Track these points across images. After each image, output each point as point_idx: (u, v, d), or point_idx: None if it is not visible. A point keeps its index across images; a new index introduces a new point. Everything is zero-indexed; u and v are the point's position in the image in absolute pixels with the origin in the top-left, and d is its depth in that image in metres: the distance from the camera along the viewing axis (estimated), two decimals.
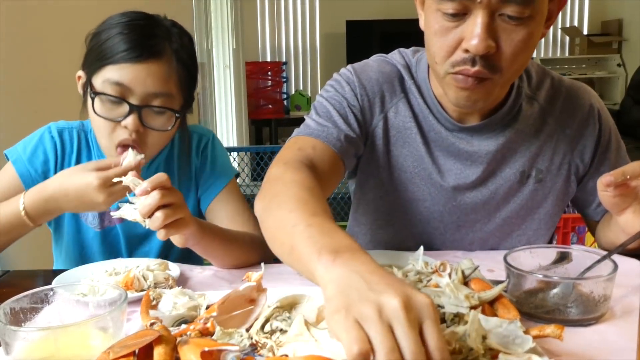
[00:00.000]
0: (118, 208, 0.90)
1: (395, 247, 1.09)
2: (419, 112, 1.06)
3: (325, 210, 0.76)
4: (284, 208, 0.76)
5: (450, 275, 0.74)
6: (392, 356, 0.49)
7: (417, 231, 1.12)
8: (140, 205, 0.87)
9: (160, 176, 0.88)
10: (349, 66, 1.09)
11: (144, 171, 1.13)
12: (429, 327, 0.51)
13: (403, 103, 1.06)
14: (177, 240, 0.93)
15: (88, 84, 1.03)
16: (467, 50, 0.87)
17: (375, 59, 1.11)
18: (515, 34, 0.87)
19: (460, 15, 0.87)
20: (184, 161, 1.18)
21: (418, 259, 0.80)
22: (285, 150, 0.98)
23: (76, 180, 0.93)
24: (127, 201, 0.90)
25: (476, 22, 0.85)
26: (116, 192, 0.93)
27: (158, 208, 0.87)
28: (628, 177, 0.89)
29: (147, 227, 0.88)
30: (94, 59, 1.03)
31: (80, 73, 1.07)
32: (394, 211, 1.12)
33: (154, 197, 0.86)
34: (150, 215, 0.87)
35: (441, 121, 1.05)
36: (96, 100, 1.02)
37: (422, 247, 0.82)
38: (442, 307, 0.67)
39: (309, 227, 0.70)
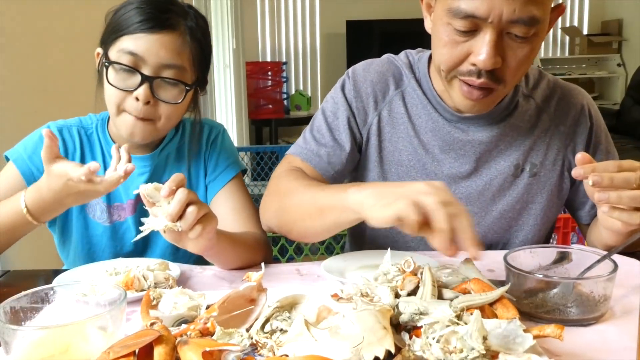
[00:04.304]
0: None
1: (395, 245, 1.11)
2: (418, 104, 1.12)
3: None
4: (299, 195, 0.95)
5: (420, 277, 0.73)
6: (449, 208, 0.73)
7: None
8: (170, 206, 0.84)
9: (178, 176, 0.87)
10: (350, 69, 1.16)
11: (155, 159, 1.14)
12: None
13: (397, 100, 1.13)
14: (200, 243, 0.89)
15: (104, 57, 1.05)
16: (474, 64, 0.94)
17: (382, 58, 1.18)
18: (520, 50, 0.94)
19: (470, 32, 0.92)
20: (194, 148, 1.18)
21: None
22: (280, 166, 1.10)
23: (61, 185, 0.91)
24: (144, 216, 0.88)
25: (485, 40, 0.91)
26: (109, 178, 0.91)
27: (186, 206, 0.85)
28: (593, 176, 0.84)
29: (180, 229, 0.85)
30: (111, 33, 1.05)
31: (99, 50, 1.09)
32: None
33: (183, 193, 0.84)
34: (180, 216, 0.85)
35: (440, 111, 1.10)
36: (110, 69, 1.03)
37: (389, 250, 0.83)
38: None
39: (326, 189, 0.91)
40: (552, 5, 0.96)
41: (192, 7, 1.11)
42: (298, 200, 0.96)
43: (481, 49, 0.91)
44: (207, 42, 1.12)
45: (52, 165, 0.91)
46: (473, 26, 0.91)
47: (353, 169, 1.17)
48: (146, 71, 1.02)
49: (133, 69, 1.02)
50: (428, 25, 1.03)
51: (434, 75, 1.09)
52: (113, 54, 1.03)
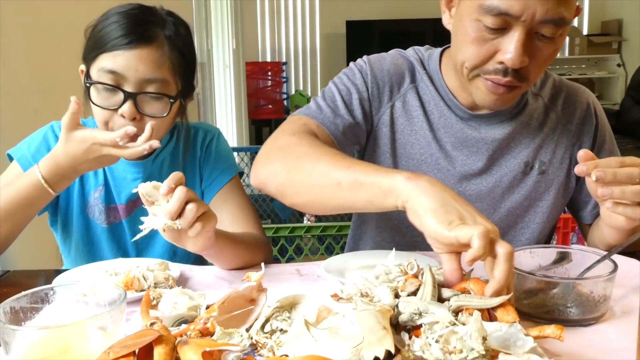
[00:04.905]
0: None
1: (401, 242, 1.11)
2: (430, 100, 1.11)
3: None
4: (323, 161, 0.88)
5: (421, 277, 0.73)
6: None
7: None
8: (169, 204, 0.84)
9: (176, 174, 0.86)
10: (365, 57, 1.15)
11: (148, 166, 1.14)
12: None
13: (412, 93, 1.12)
14: (199, 241, 0.89)
15: (87, 75, 1.05)
16: (501, 62, 0.94)
17: (391, 53, 1.17)
18: (546, 50, 0.94)
19: (500, 29, 0.92)
20: (188, 154, 1.18)
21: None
22: (290, 125, 1.04)
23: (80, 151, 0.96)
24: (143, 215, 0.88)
25: (514, 38, 0.91)
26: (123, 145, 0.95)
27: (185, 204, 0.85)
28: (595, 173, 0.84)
29: (179, 227, 0.85)
30: (91, 49, 1.04)
31: (82, 67, 1.08)
32: None
33: (181, 190, 0.84)
34: (179, 214, 0.84)
35: (453, 109, 1.10)
36: (92, 89, 1.03)
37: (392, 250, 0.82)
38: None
39: (366, 164, 0.84)
40: None
41: (172, 14, 1.09)
42: (324, 166, 0.87)
43: (510, 47, 0.91)
44: (190, 50, 1.10)
45: (74, 131, 0.95)
46: (503, 24, 0.91)
47: (359, 157, 1.16)
48: (128, 88, 1.01)
49: (115, 88, 1.01)
50: (446, 21, 1.03)
51: (447, 72, 1.10)
52: (94, 73, 1.02)
